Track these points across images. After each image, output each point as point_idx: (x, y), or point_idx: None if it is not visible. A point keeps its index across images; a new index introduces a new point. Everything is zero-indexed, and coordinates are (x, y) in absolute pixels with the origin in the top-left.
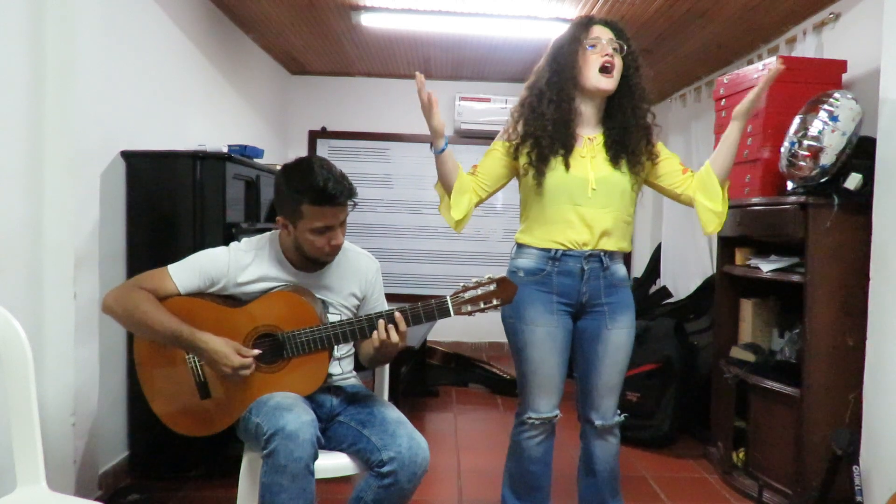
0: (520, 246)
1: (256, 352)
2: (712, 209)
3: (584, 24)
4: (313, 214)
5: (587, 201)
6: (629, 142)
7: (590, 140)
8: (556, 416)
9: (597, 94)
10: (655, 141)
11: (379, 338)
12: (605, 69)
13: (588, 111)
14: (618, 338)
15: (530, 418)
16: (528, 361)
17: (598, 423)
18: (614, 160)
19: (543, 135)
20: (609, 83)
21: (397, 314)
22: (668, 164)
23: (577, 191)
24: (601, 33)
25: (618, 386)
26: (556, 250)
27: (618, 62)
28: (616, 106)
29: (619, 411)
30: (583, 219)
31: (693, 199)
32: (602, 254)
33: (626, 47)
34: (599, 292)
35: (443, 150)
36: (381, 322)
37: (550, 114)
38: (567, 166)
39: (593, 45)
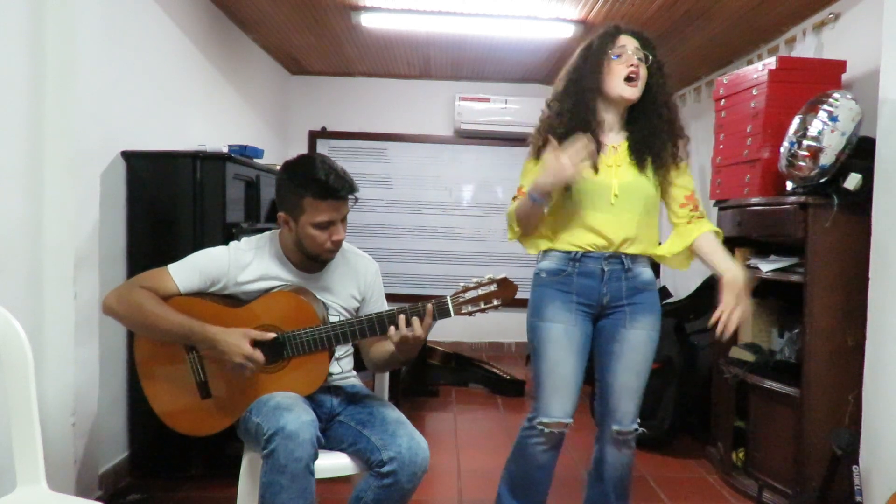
0: (544, 251)
1: (271, 335)
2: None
3: (610, 34)
4: (315, 209)
5: (609, 208)
6: (654, 143)
7: (614, 148)
8: (568, 423)
9: (621, 102)
10: (681, 138)
11: (400, 333)
12: (629, 78)
13: (610, 119)
14: (635, 337)
15: (541, 423)
16: (545, 360)
17: (614, 427)
18: (639, 164)
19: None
20: (633, 92)
21: (428, 306)
22: (679, 186)
23: (599, 197)
24: (627, 42)
25: (636, 389)
26: (577, 252)
27: (642, 72)
28: (639, 111)
29: (638, 420)
30: (604, 225)
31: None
32: (623, 256)
33: (650, 57)
34: (621, 294)
35: (543, 202)
36: (403, 317)
37: (571, 126)
38: (592, 173)
39: (619, 55)
